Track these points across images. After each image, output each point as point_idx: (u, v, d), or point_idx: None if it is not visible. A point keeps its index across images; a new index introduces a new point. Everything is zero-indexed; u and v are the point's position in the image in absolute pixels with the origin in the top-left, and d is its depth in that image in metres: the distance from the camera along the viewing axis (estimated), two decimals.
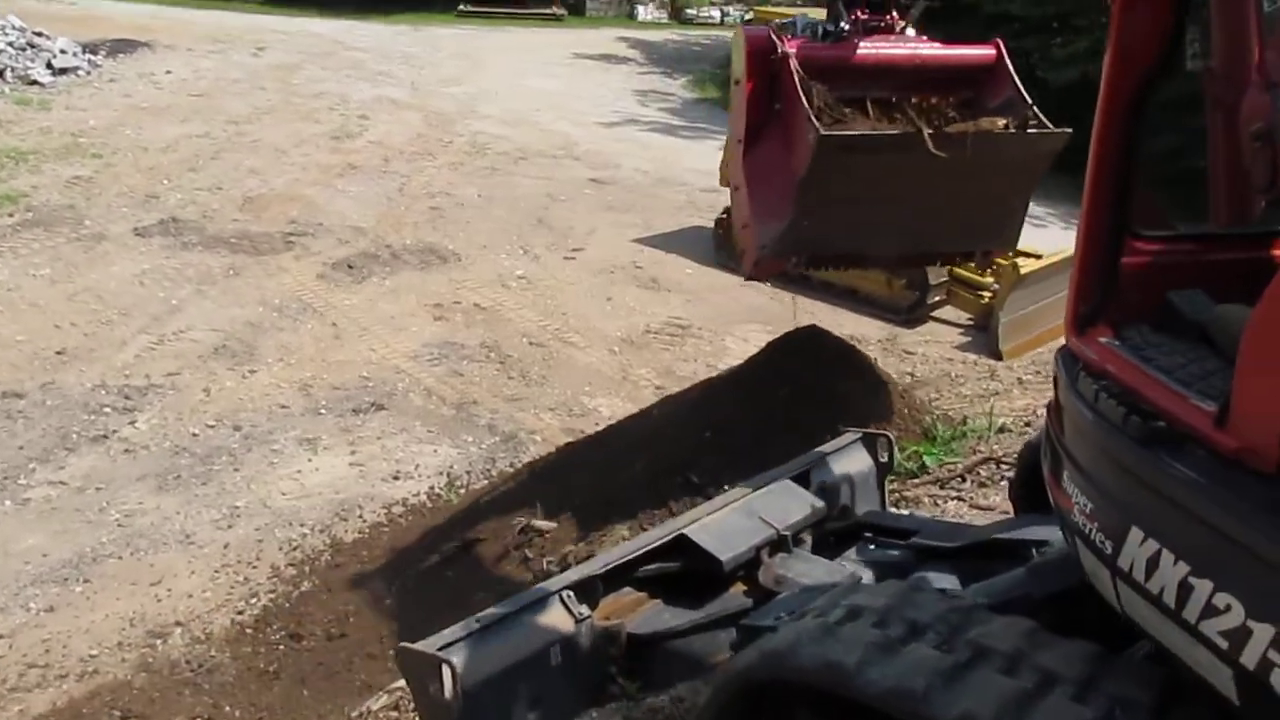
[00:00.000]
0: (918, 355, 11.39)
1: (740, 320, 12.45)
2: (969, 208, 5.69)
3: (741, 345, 11.72)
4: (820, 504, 4.05)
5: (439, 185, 16.57)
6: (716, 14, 36.96)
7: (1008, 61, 5.77)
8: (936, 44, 5.83)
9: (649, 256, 14.28)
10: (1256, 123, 2.68)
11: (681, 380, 10.69)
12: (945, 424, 7.20)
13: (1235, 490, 2.18)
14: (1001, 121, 5.46)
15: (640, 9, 36.72)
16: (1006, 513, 5.26)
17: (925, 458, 6.59)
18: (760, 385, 6.99)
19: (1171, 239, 2.76)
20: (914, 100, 5.73)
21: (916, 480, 6.39)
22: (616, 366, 11.06)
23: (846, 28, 5.62)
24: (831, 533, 4.09)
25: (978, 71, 5.83)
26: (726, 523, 3.72)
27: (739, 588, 3.68)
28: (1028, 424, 6.83)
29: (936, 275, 12.11)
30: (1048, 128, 5.43)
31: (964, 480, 5.95)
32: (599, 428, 9.56)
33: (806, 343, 7.28)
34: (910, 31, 5.76)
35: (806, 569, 3.66)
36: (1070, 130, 5.30)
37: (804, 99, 5.27)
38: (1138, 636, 2.65)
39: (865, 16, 5.66)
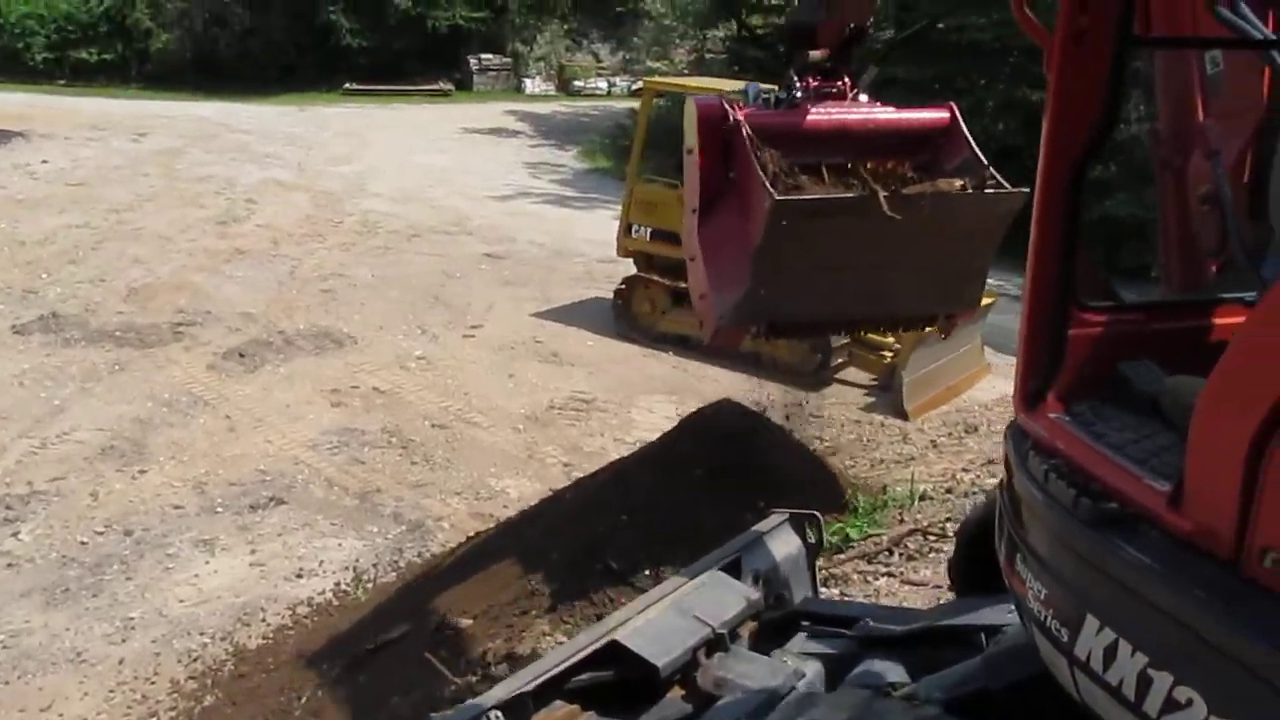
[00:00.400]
0: (824, 418, 11.33)
1: (644, 391, 12.33)
2: (928, 271, 5.63)
3: (648, 417, 11.61)
4: (755, 595, 3.88)
5: (331, 267, 16.26)
6: (604, 85, 37.31)
7: (962, 123, 5.74)
8: (890, 108, 5.80)
9: (549, 330, 14.12)
10: (1204, 186, 2.61)
11: (589, 456, 10.53)
12: (865, 494, 7.11)
13: (1192, 576, 2.07)
14: (958, 183, 5.41)
15: (528, 82, 36.89)
16: (939, 587, 5.16)
17: (849, 531, 6.48)
18: (675, 463, 6.83)
19: (1118, 309, 2.67)
20: (869, 165, 5.68)
21: (842, 555, 6.25)
22: (522, 445, 10.83)
23: (799, 95, 5.56)
24: (769, 624, 3.91)
25: (932, 134, 5.80)
26: (659, 624, 3.52)
27: (676, 692, 3.48)
28: (949, 490, 6.76)
29: (837, 337, 12.12)
30: (1005, 188, 5.39)
31: (891, 554, 5.83)
32: (508, 510, 9.33)
33: (719, 417, 7.15)
34: (863, 97, 5.71)
35: (747, 669, 3.48)
36: (1028, 190, 5.27)
37: (758, 166, 5.18)
38: None
39: (817, 83, 5.61)
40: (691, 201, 5.69)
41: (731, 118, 5.38)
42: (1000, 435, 8.44)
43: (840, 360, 12.54)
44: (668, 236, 13.54)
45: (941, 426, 9.34)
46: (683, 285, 13.34)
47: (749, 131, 5.26)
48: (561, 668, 3.24)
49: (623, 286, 14.19)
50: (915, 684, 3.14)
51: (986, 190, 5.35)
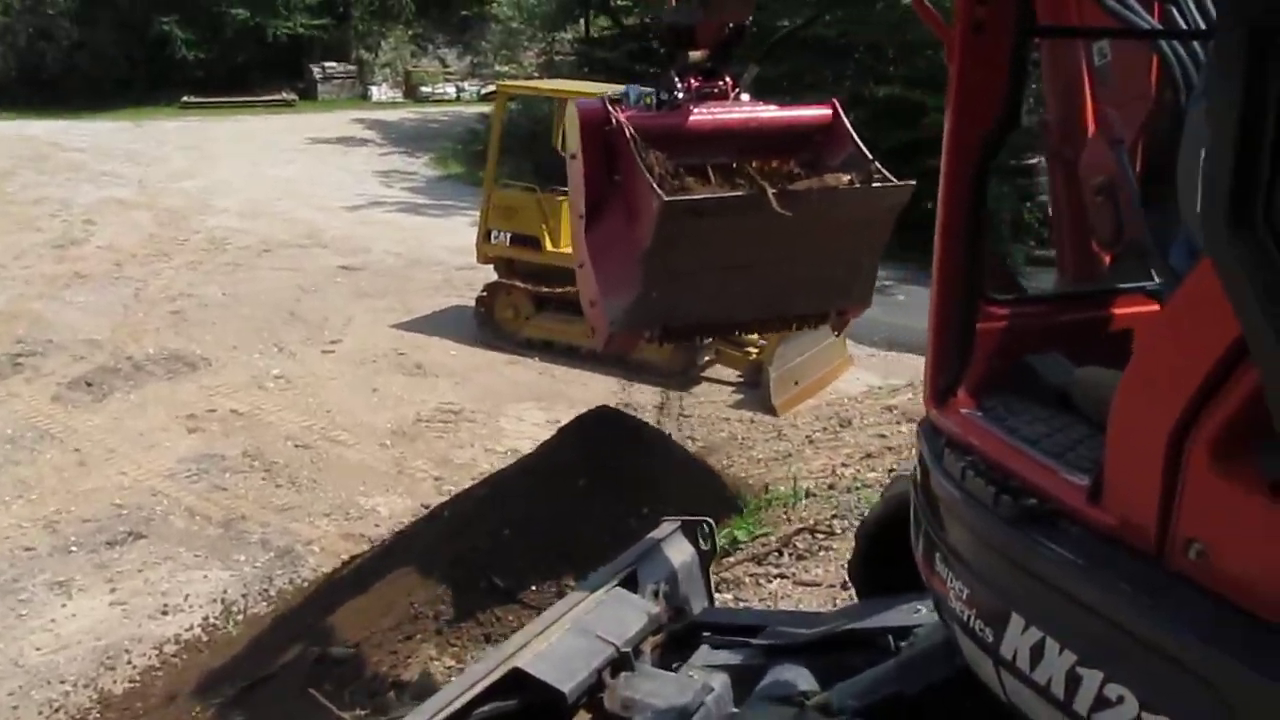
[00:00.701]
0: (695, 418, 11.33)
1: (512, 399, 12.18)
2: (819, 268, 5.60)
3: (517, 425, 11.47)
4: (656, 609, 3.77)
5: (179, 287, 15.71)
6: (452, 90, 36.86)
7: (844, 119, 5.73)
8: (773, 106, 5.76)
9: (410, 341, 13.85)
10: (1098, 176, 2.60)
11: (460, 469, 10.35)
12: (748, 493, 7.08)
13: (1116, 571, 2.03)
14: (845, 177, 5.38)
15: (374, 89, 36.24)
16: (833, 586, 5.14)
17: (736, 533, 6.41)
18: (555, 473, 6.70)
19: (1022, 301, 2.64)
20: (754, 164, 5.63)
21: (731, 559, 6.18)
22: (390, 461, 10.57)
23: (681, 96, 5.48)
24: (671, 638, 3.82)
25: (815, 131, 5.78)
26: (561, 646, 3.39)
27: (583, 717, 3.36)
28: (831, 486, 6.76)
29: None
30: (892, 181, 5.39)
31: (781, 554, 5.78)
32: (380, 530, 9.10)
33: (598, 424, 7.04)
34: (745, 96, 5.66)
35: (655, 687, 3.38)
36: (914, 183, 5.28)
37: (644, 168, 5.08)
38: None
39: (699, 83, 5.53)
40: (577, 207, 5.59)
41: (614, 120, 5.29)
42: (873, 428, 8.55)
43: (707, 358, 12.55)
44: (528, 241, 13.43)
45: (815, 421, 9.37)
46: (545, 290, 13.32)
47: (633, 134, 5.17)
48: (462, 701, 3.10)
49: (484, 294, 14.00)
50: (827, 692, 3.08)
51: (874, 184, 5.35)
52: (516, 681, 3.24)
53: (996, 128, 2.39)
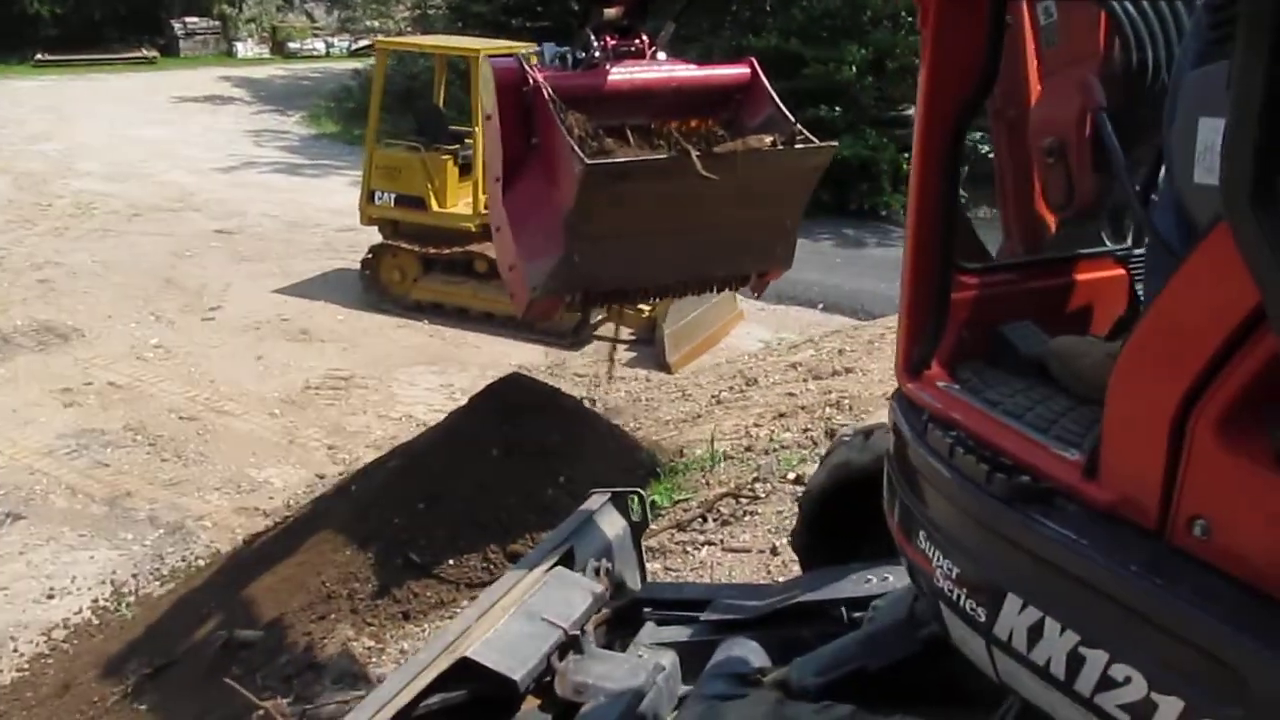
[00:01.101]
0: (589, 378, 11.23)
1: (404, 364, 11.93)
2: (742, 229, 5.55)
3: (410, 390, 11.26)
4: (599, 588, 3.67)
5: (44, 254, 15.06)
6: (321, 46, 35.98)
7: (763, 79, 5.66)
8: (691, 65, 5.66)
9: (294, 307, 13.49)
10: (1047, 138, 2.54)
11: (353, 437, 10.11)
12: (663, 457, 7.00)
13: (1118, 549, 1.99)
14: (768, 139, 5.31)
15: (239, 45, 35.19)
16: (763, 552, 5.09)
17: (655, 498, 6.31)
18: (468, 445, 6.53)
19: (990, 269, 2.59)
20: (673, 124, 5.52)
21: (654, 526, 6.04)
22: (280, 430, 10.27)
23: (597, 54, 5.34)
24: (614, 615, 3.73)
25: (734, 91, 5.72)
26: (507, 632, 3.27)
27: (532, 703, 3.26)
28: (748, 448, 6.70)
29: None
30: (814, 142, 5.34)
31: (705, 520, 5.73)
32: (274, 502, 8.85)
33: (509, 392, 6.89)
34: (662, 55, 5.54)
35: (606, 670, 3.28)
36: (837, 144, 5.23)
37: (563, 130, 4.94)
38: (996, 695, 2.45)
39: (615, 42, 5.40)
40: (494, 169, 5.45)
41: (531, 80, 5.15)
42: (780, 386, 8.53)
43: (600, 317, 12.44)
44: (413, 202, 13.14)
45: (720, 381, 9.33)
46: (432, 251, 13.06)
47: (551, 94, 5.04)
48: (410, 694, 2.97)
49: (369, 256, 13.67)
50: (785, 668, 3.02)
51: (797, 145, 5.31)
52: (464, 671, 3.12)
53: (973, 91, 2.32)
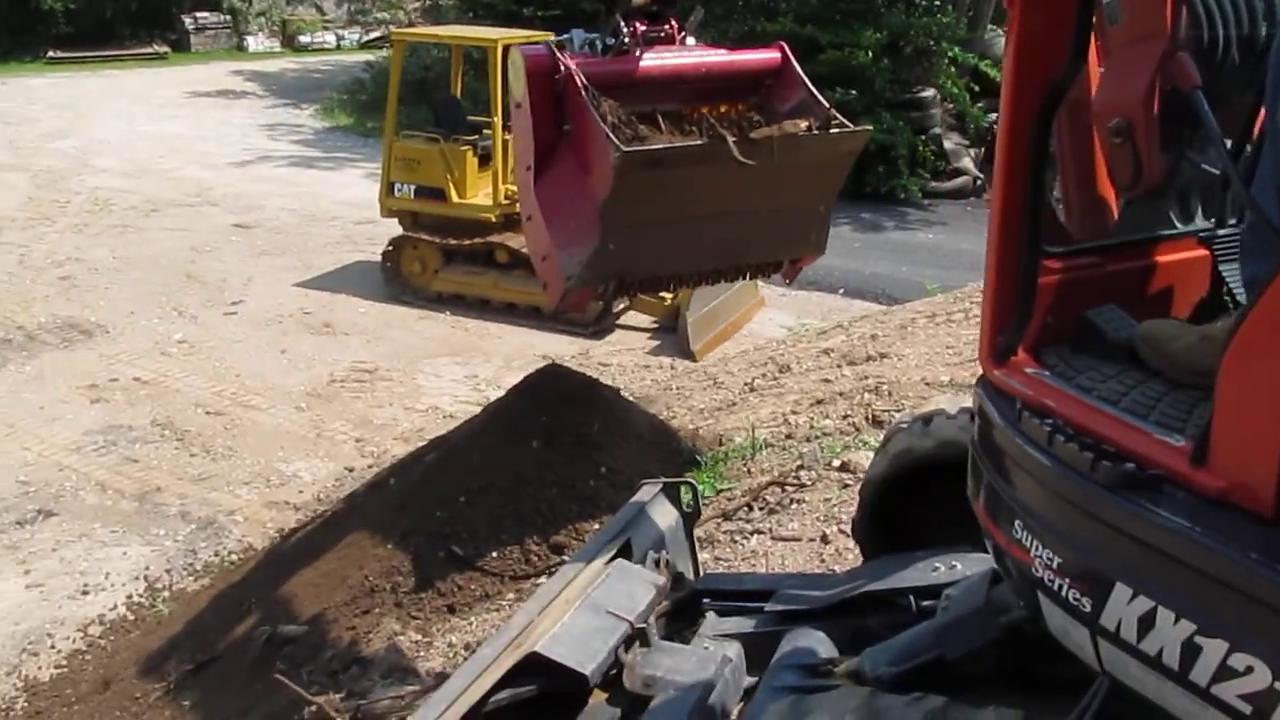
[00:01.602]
0: (614, 367, 11.21)
1: (428, 355, 11.91)
2: (776, 215, 5.50)
3: (435, 381, 11.24)
4: (661, 580, 3.64)
5: (65, 251, 15.06)
6: (331, 39, 35.92)
7: (795, 63, 5.62)
8: (721, 50, 5.62)
9: (316, 300, 13.47)
10: (1114, 118, 2.49)
11: (381, 429, 10.10)
12: (703, 446, 6.96)
13: (1235, 537, 1.93)
14: (803, 124, 5.27)
15: (250, 39, 35.12)
16: (814, 540, 5.05)
17: (699, 487, 6.20)
18: (507, 437, 6.49)
19: (1074, 253, 2.53)
20: (705, 110, 5.48)
21: (700, 515, 6.00)
22: (307, 424, 10.26)
23: (627, 41, 5.30)
24: (674, 606, 3.70)
25: (765, 75, 5.68)
26: (574, 626, 3.24)
27: (599, 697, 3.23)
28: (788, 436, 6.65)
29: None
30: (848, 126, 5.30)
31: (751, 509, 5.68)
32: (304, 496, 8.84)
33: (549, 381, 6.85)
34: (691, 40, 5.50)
35: (675, 663, 3.25)
36: (871, 128, 5.20)
37: (597, 117, 4.90)
38: (1076, 683, 2.40)
39: (645, 28, 5.35)
40: (525, 158, 5.40)
41: (562, 67, 5.11)
42: (814, 373, 8.47)
43: (622, 305, 12.41)
44: (433, 193, 13.11)
45: (751, 368, 9.27)
46: (453, 242, 13.03)
47: (584, 82, 4.99)
48: (479, 690, 2.94)
49: (390, 248, 13.64)
50: (856, 658, 2.98)
51: (832, 130, 5.27)
52: (533, 666, 3.09)
53: (1062, 73, 2.27)
